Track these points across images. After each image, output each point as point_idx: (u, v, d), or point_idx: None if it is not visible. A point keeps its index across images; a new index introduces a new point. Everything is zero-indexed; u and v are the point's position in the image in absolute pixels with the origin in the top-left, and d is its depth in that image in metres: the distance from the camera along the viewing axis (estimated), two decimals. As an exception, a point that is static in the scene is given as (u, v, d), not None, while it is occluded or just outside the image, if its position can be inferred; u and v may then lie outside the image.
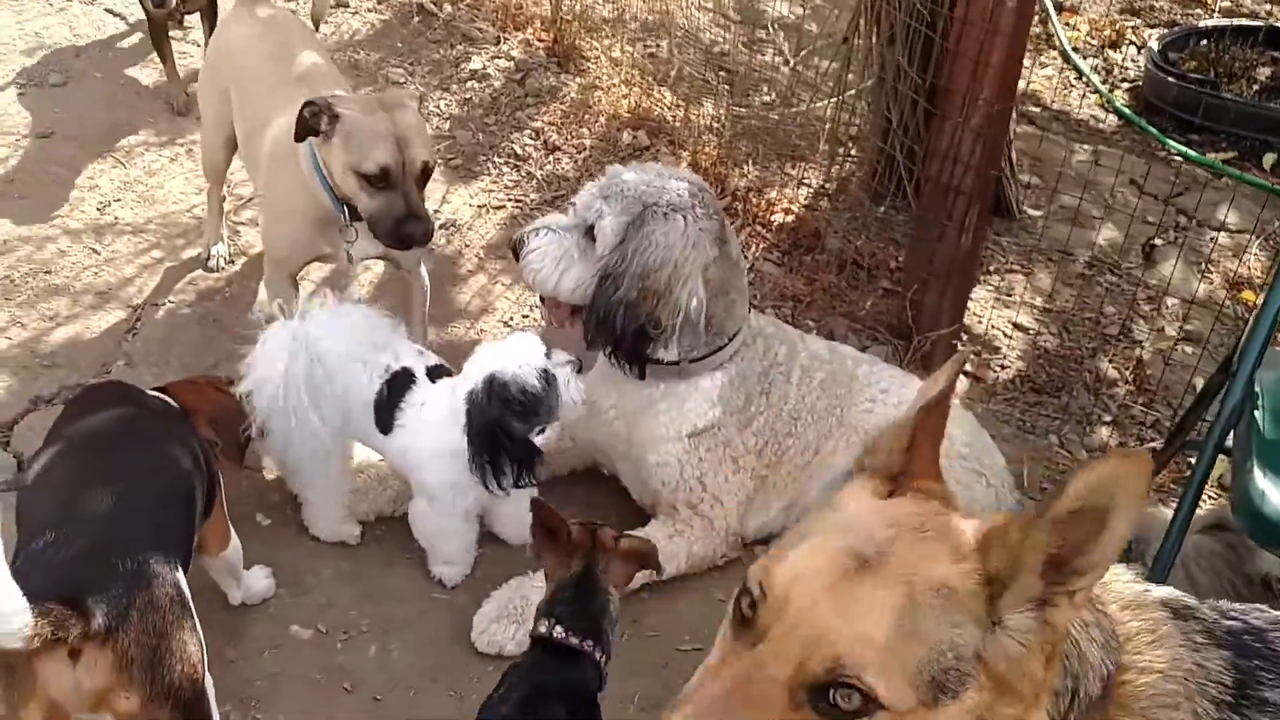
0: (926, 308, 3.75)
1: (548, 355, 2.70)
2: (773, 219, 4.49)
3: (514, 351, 2.70)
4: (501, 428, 2.62)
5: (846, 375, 3.15)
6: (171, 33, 4.78)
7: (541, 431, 2.69)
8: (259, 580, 2.82)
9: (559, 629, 2.07)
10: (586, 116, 4.97)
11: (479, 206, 4.49)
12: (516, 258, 2.95)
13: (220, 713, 2.53)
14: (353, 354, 2.80)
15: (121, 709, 1.91)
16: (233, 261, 3.96)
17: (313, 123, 2.89)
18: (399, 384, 2.82)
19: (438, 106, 5.04)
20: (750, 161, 4.77)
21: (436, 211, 4.41)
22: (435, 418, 2.75)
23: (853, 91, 4.60)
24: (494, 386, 2.63)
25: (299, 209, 3.16)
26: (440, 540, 2.92)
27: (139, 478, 2.17)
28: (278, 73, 3.38)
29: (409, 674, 2.73)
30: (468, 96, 5.12)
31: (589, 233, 2.85)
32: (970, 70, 3.27)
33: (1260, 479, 2.32)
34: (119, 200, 4.12)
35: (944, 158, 3.44)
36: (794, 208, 4.58)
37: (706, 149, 4.67)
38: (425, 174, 3.00)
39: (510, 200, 4.55)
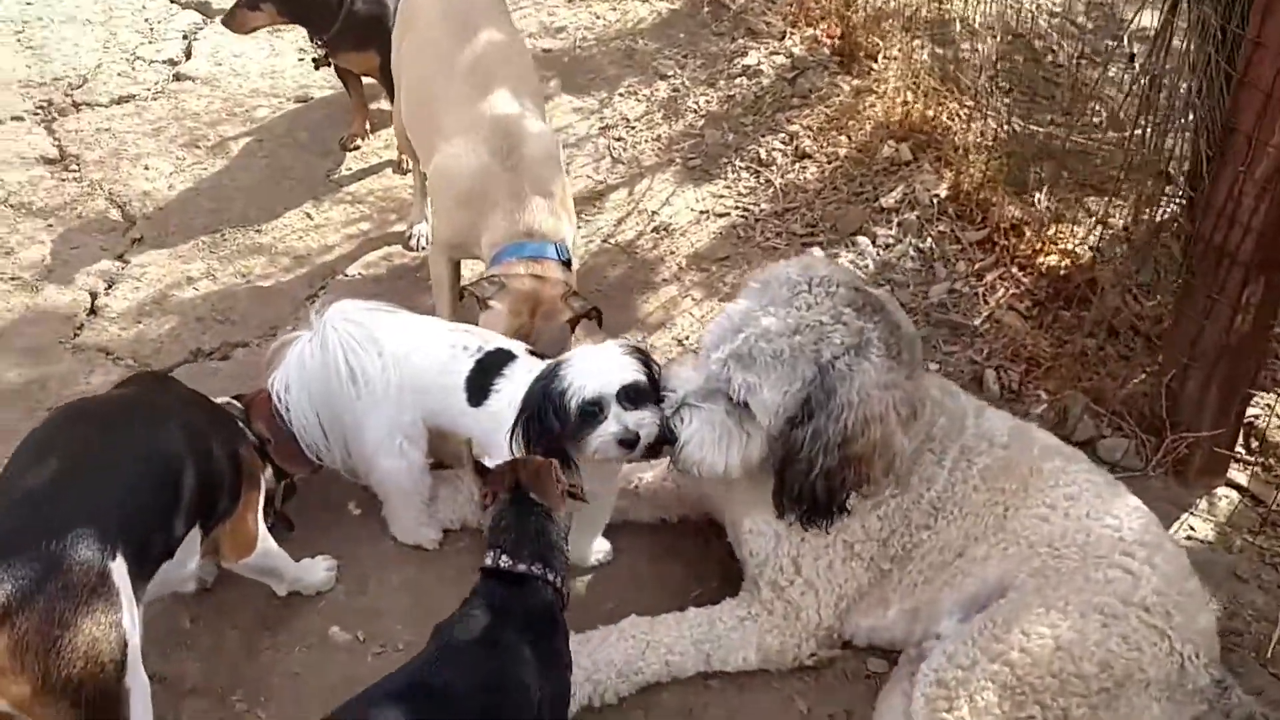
0: (1186, 399, 2.96)
1: (628, 399, 2.38)
2: (1040, 261, 3.79)
3: (607, 372, 2.42)
4: (538, 417, 2.41)
5: (1025, 468, 2.55)
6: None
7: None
8: (317, 572, 2.77)
9: (505, 558, 2.14)
10: (851, 123, 4.51)
11: (700, 212, 4.21)
12: (653, 455, 2.49)
13: (229, 700, 2.54)
14: (429, 341, 2.76)
15: (11, 694, 1.86)
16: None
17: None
18: (493, 361, 2.71)
19: (697, 103, 4.81)
20: (1042, 190, 4.07)
21: (655, 213, 4.20)
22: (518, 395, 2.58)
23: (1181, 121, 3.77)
24: (551, 381, 2.42)
25: None
26: None
27: (114, 460, 2.14)
28: (452, 51, 3.31)
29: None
30: (732, 94, 4.84)
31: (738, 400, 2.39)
32: (1260, 105, 2.49)
33: None
34: (348, 169, 4.31)
35: (1220, 214, 2.67)
36: (1079, 250, 3.83)
37: (973, 169, 4.05)
38: None
39: (737, 208, 4.23)
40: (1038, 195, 4.02)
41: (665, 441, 2.40)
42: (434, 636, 2.10)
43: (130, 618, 1.99)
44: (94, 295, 3.62)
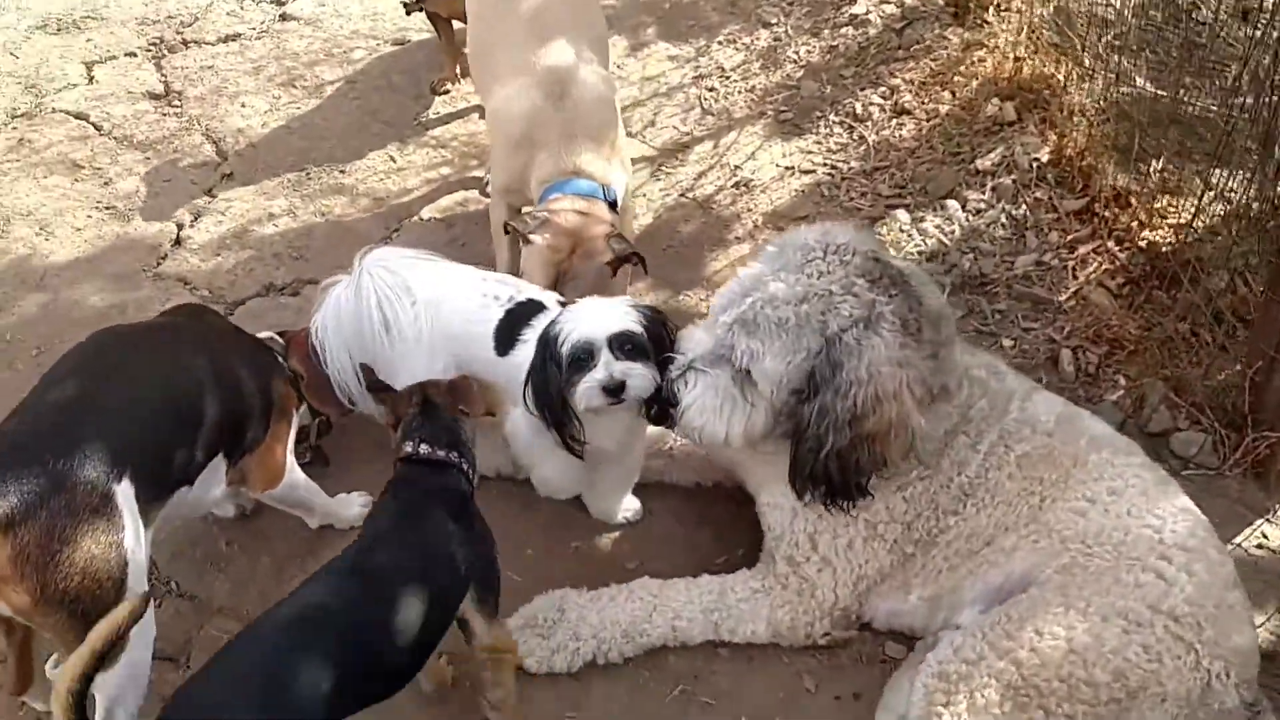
0: (1271, 396, 2.74)
1: (620, 348, 2.37)
2: (1141, 236, 3.54)
3: (601, 320, 2.41)
4: (540, 366, 2.44)
5: (1068, 458, 2.41)
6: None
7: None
8: (350, 507, 2.85)
9: (423, 446, 2.26)
10: (956, 79, 4.29)
11: (785, 168, 4.09)
12: (665, 419, 2.44)
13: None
14: (461, 289, 2.75)
15: (11, 601, 1.99)
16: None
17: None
18: (522, 312, 2.70)
19: (798, 53, 4.66)
20: (1158, 159, 3.79)
21: (738, 168, 4.10)
22: None
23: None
24: (551, 328, 2.44)
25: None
26: (535, 456, 2.76)
27: (132, 386, 2.22)
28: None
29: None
30: (835, 44, 4.67)
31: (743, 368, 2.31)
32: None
33: None
34: (436, 113, 4.36)
35: (1318, 185, 2.42)
36: (1190, 226, 3.56)
37: (1077, 132, 3.80)
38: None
39: (825, 165, 4.09)
40: (1153, 164, 3.74)
41: (668, 404, 2.36)
42: (365, 525, 2.23)
43: (134, 539, 2.08)
44: (180, 227, 3.79)
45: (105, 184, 3.96)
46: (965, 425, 2.44)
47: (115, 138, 4.19)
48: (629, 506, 2.88)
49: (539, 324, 2.67)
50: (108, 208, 3.86)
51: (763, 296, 2.22)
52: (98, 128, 4.24)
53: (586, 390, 2.34)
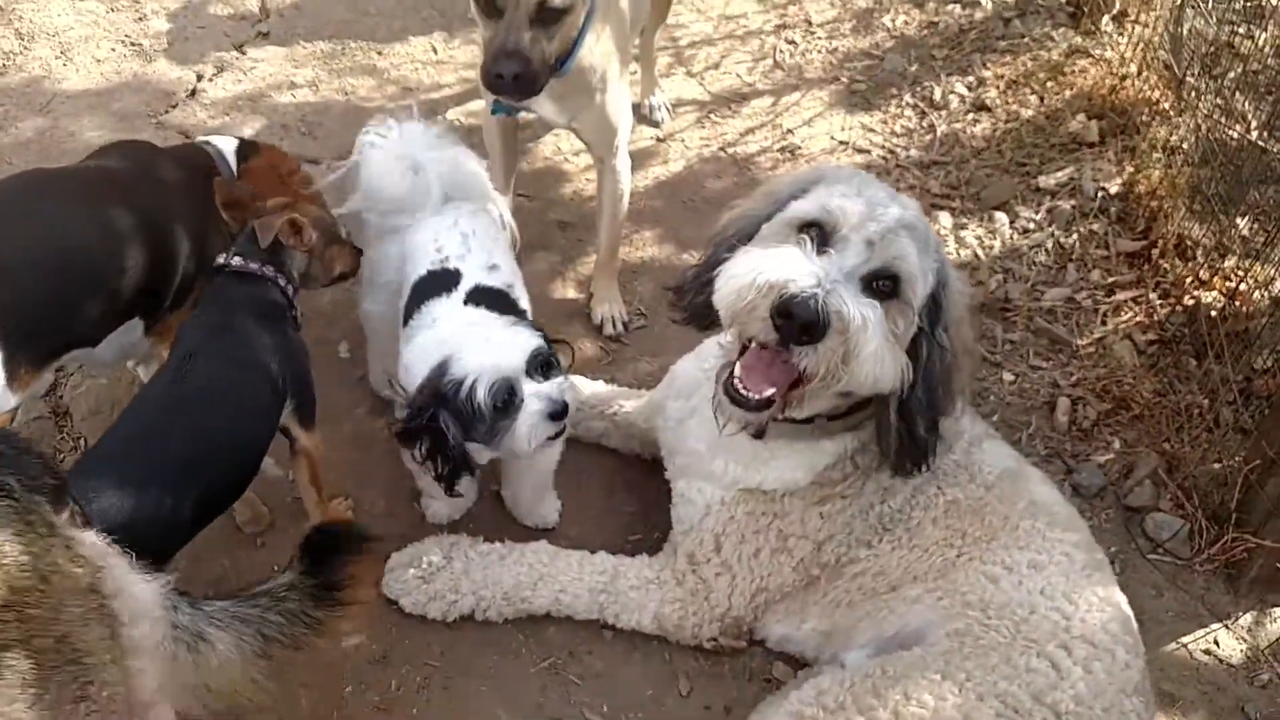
0: (1262, 499, 2.58)
1: (538, 370, 2.24)
2: (1191, 295, 3.33)
3: (505, 346, 2.24)
4: (434, 425, 2.24)
5: (999, 517, 2.32)
6: None
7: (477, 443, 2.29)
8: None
9: (237, 259, 2.38)
10: (1050, 85, 4.07)
11: (840, 142, 3.96)
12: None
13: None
14: (433, 219, 2.63)
15: None
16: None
17: None
18: (439, 281, 2.49)
19: (894, 22, 4.47)
20: (1242, 215, 3.56)
21: (790, 131, 3.97)
22: (429, 344, 2.37)
23: None
24: (439, 375, 2.23)
25: None
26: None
27: (31, 240, 2.18)
28: None
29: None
30: (936, 20, 4.47)
31: (872, 282, 2.00)
32: None
33: None
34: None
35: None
36: (1261, 295, 3.34)
37: (1155, 169, 3.58)
38: (543, 9, 2.49)
39: (882, 147, 3.95)
40: (1237, 220, 3.51)
41: (813, 336, 1.87)
42: (179, 332, 2.31)
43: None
44: (199, 78, 3.82)
45: (139, 19, 4.01)
46: (903, 456, 2.35)
47: (163, -27, 4.23)
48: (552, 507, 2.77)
49: (433, 311, 2.43)
50: (134, 44, 3.90)
51: (896, 211, 2.04)
52: (148, -41, 4.28)
53: (532, 429, 2.22)
